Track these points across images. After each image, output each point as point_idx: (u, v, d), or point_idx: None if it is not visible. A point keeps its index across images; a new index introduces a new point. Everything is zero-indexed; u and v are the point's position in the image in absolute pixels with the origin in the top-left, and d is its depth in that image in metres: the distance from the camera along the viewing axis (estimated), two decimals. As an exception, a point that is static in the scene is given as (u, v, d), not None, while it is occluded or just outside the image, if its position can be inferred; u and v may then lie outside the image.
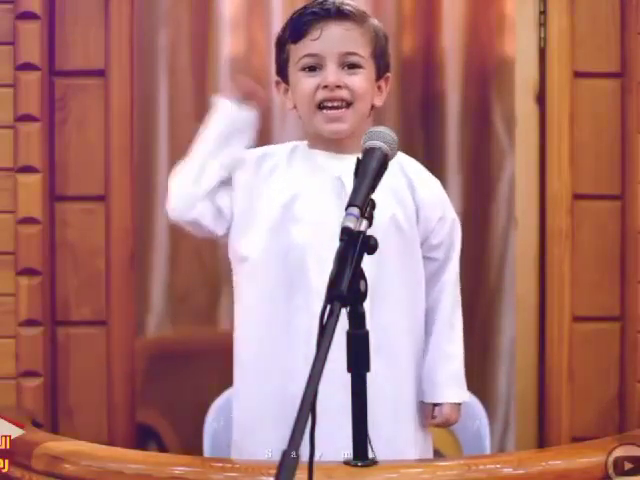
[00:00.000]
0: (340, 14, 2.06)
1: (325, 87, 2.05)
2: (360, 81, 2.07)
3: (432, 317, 2.16)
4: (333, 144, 2.11)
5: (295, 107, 2.13)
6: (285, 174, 2.12)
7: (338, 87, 2.04)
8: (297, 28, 2.08)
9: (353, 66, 2.06)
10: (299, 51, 2.07)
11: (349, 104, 2.06)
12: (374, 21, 2.12)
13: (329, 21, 2.06)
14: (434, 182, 2.18)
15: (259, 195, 2.11)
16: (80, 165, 2.67)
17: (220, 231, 2.13)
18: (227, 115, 2.08)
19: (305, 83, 2.07)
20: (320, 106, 2.06)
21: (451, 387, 2.15)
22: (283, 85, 2.14)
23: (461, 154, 3.34)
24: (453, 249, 2.17)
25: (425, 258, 2.15)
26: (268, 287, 2.09)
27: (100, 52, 2.66)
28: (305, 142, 2.17)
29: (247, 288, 2.13)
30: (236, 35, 3.37)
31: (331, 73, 2.04)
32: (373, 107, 2.14)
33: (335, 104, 2.06)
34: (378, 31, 2.12)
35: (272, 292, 2.09)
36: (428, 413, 2.15)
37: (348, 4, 2.09)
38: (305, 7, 2.09)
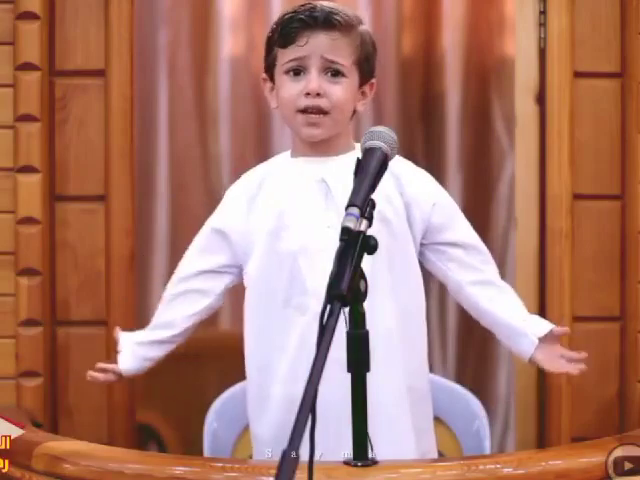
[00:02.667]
0: (327, 23, 2.08)
1: (307, 94, 2.08)
2: (340, 90, 2.09)
3: (487, 295, 2.18)
4: (314, 149, 2.14)
5: (278, 107, 2.16)
6: (272, 187, 2.15)
7: (318, 95, 2.07)
8: (285, 35, 2.10)
9: (336, 73, 2.09)
10: (285, 56, 2.10)
11: (327, 112, 2.09)
12: (362, 27, 2.14)
13: (316, 30, 2.08)
14: (422, 175, 2.20)
15: (254, 212, 2.16)
16: (80, 165, 2.67)
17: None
18: None
19: (288, 88, 2.10)
20: (301, 111, 2.09)
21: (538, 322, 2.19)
22: (269, 83, 2.17)
23: (461, 154, 3.34)
24: (458, 227, 2.19)
25: (436, 244, 2.16)
26: (266, 295, 2.13)
27: (100, 52, 2.66)
28: (288, 152, 2.20)
29: (248, 298, 2.17)
30: (236, 35, 3.38)
31: (313, 79, 2.08)
32: (355, 112, 2.17)
33: (314, 111, 2.08)
34: (365, 38, 2.14)
35: (270, 297, 2.11)
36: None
37: (337, 12, 2.10)
38: (295, 12, 2.11)
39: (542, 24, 2.72)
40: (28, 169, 2.61)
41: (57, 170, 2.66)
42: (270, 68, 2.15)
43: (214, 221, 2.22)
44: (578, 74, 2.67)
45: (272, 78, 2.15)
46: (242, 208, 2.17)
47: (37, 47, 2.61)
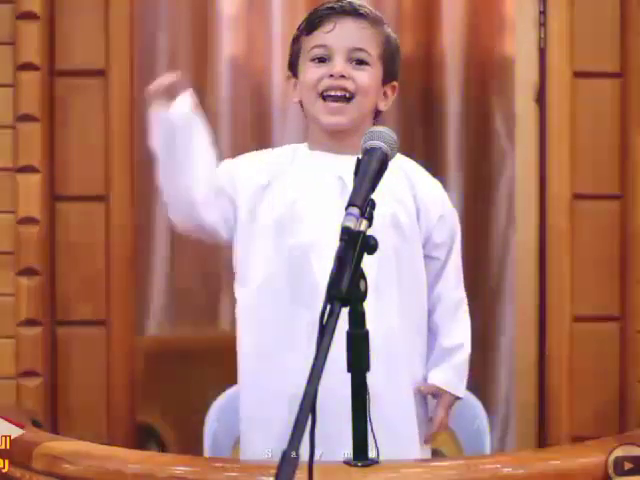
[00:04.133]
0: (356, 12, 2.10)
1: (330, 76, 2.08)
2: (365, 76, 2.09)
3: (435, 313, 2.17)
4: (333, 144, 2.12)
5: (300, 101, 2.15)
6: (287, 177, 2.13)
7: (343, 77, 2.08)
8: (312, 21, 2.12)
9: (361, 62, 2.10)
10: (311, 42, 2.11)
11: (350, 97, 2.08)
12: (389, 29, 2.16)
13: (344, 16, 2.10)
14: (435, 183, 2.20)
15: (264, 201, 2.12)
16: (80, 165, 2.67)
17: (225, 236, 2.14)
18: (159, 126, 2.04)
19: (312, 72, 2.10)
20: (323, 95, 2.09)
21: (442, 372, 2.16)
22: (293, 79, 2.17)
23: (461, 154, 3.34)
24: (452, 248, 2.19)
25: (427, 257, 2.16)
26: (273, 287, 2.10)
27: (100, 52, 2.66)
28: (305, 144, 2.19)
29: (251, 290, 2.13)
30: (236, 35, 3.38)
31: (338, 64, 2.08)
32: (379, 113, 2.17)
33: (338, 93, 2.08)
34: (390, 38, 2.16)
35: (277, 292, 2.10)
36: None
37: (366, 6, 2.13)
38: (322, 5, 2.14)
39: (542, 24, 2.72)
40: (28, 169, 2.61)
41: (57, 170, 2.66)
42: (294, 60, 2.15)
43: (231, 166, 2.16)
44: (578, 74, 2.67)
45: (295, 74, 2.15)
46: (255, 185, 2.12)
47: (37, 47, 2.61)
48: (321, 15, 2.11)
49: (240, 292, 2.16)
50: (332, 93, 2.08)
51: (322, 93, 2.09)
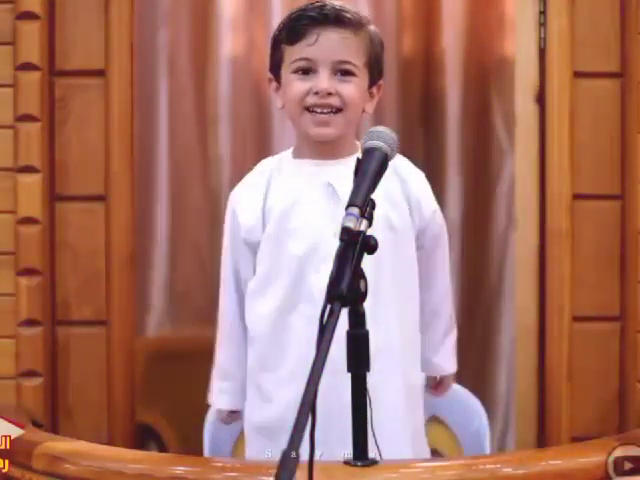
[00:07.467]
0: (338, 21, 2.05)
1: (316, 93, 2.05)
2: (351, 89, 2.06)
3: (430, 302, 2.21)
4: (319, 151, 2.11)
5: (284, 106, 2.13)
6: (277, 190, 2.12)
7: (329, 94, 2.04)
8: (294, 31, 2.07)
9: (346, 73, 2.06)
10: (294, 54, 2.07)
11: (338, 110, 2.06)
12: (371, 27, 2.12)
13: (326, 27, 2.05)
14: (421, 177, 2.20)
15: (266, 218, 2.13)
16: (80, 165, 2.67)
17: None
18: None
19: (296, 86, 2.06)
20: (309, 109, 2.06)
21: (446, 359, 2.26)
22: (275, 83, 2.14)
23: (461, 154, 3.34)
24: (440, 241, 2.22)
25: (418, 250, 2.17)
26: (271, 300, 2.11)
27: (100, 52, 2.66)
28: (289, 152, 2.17)
29: (252, 303, 2.14)
30: (236, 35, 3.38)
31: (323, 80, 2.04)
32: (363, 112, 2.15)
33: (325, 110, 2.06)
34: (374, 38, 2.11)
35: (275, 304, 2.10)
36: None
37: (347, 10, 2.07)
38: (304, 9, 2.08)
39: (542, 24, 2.72)
40: (28, 169, 2.62)
41: (57, 170, 2.67)
42: (276, 67, 2.12)
43: (237, 232, 2.15)
44: (578, 74, 2.67)
45: (277, 78, 2.12)
46: (257, 211, 2.13)
47: (37, 47, 2.61)
48: (302, 25, 2.05)
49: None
50: (318, 110, 2.05)
51: (308, 108, 2.06)
